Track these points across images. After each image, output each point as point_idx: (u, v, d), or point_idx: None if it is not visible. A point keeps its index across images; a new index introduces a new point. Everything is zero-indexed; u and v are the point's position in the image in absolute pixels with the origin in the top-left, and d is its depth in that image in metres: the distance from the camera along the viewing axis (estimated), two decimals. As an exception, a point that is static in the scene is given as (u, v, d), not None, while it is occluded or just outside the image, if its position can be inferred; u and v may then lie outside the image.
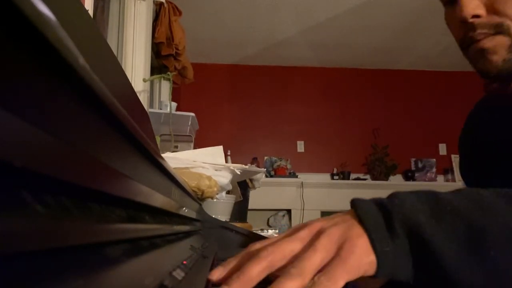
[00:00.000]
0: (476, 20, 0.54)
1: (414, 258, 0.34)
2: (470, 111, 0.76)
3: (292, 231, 0.37)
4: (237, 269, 0.33)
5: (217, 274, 0.35)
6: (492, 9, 0.53)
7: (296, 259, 0.33)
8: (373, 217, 0.35)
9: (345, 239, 0.34)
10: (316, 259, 0.33)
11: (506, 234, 0.33)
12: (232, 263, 0.36)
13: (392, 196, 0.37)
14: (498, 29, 0.53)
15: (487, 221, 0.34)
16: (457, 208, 0.35)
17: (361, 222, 0.35)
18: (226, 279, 0.33)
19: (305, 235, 0.36)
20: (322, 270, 0.32)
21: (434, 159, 3.82)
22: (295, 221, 3.46)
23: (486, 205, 0.35)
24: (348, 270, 0.32)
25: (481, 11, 0.54)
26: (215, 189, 0.93)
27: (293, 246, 0.35)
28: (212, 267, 0.46)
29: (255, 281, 0.32)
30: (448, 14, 0.61)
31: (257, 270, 0.32)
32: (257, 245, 0.36)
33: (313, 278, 0.32)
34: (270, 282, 0.32)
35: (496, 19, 0.53)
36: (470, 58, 0.58)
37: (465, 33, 0.57)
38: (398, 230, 0.34)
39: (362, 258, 0.33)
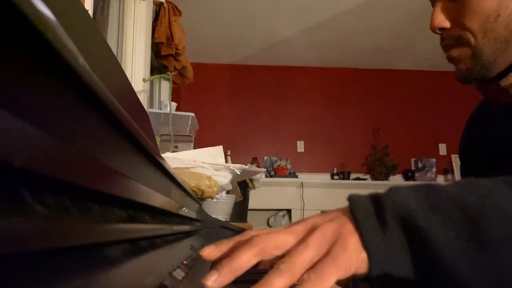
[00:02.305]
0: (443, 32, 0.60)
1: (411, 249, 0.33)
2: (470, 114, 0.76)
3: (288, 225, 0.37)
4: (229, 254, 0.33)
5: (207, 251, 0.35)
6: (456, 22, 0.59)
7: (287, 253, 0.33)
8: (364, 209, 0.35)
9: (337, 236, 0.34)
10: (307, 255, 0.32)
11: (505, 218, 0.32)
12: (224, 245, 0.35)
13: (387, 189, 0.36)
14: (460, 41, 0.58)
15: (484, 205, 0.32)
16: (452, 194, 0.34)
17: (353, 216, 0.35)
18: (217, 262, 0.33)
19: (299, 229, 0.36)
20: (313, 267, 0.32)
21: (434, 159, 3.82)
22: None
23: (483, 191, 0.34)
24: (339, 268, 0.32)
25: (446, 24, 0.60)
26: (215, 189, 0.93)
27: (286, 237, 0.35)
28: (212, 267, 0.46)
29: (245, 267, 0.32)
30: None
31: (247, 257, 0.32)
32: (252, 233, 0.36)
33: (302, 275, 0.32)
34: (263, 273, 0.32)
35: (458, 31, 0.58)
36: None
37: (440, 41, 0.62)
38: (389, 220, 0.33)
39: (353, 255, 0.33)
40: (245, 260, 0.32)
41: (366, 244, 0.33)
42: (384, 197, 0.35)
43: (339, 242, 0.33)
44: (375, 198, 0.35)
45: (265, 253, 0.33)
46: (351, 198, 0.37)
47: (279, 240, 0.34)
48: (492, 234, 0.31)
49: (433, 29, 0.61)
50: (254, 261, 0.33)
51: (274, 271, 0.31)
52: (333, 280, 0.31)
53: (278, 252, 0.34)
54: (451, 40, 0.60)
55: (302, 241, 0.34)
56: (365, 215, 0.34)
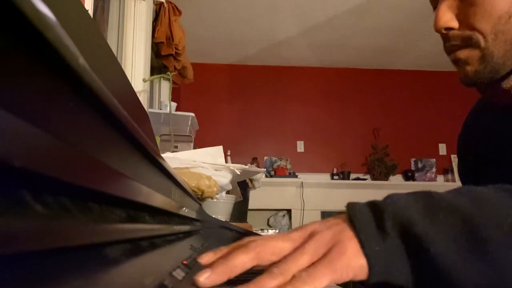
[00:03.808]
0: (449, 32, 0.57)
1: (410, 258, 0.33)
2: (469, 111, 0.76)
3: (286, 232, 0.37)
4: (224, 256, 0.33)
5: (206, 258, 0.35)
6: (464, 22, 0.55)
7: (282, 260, 0.33)
8: (363, 216, 0.35)
9: (335, 242, 0.34)
10: (302, 261, 0.32)
11: (505, 229, 0.32)
12: (223, 250, 0.36)
13: (386, 197, 0.36)
14: (469, 42, 0.55)
15: (485, 216, 0.32)
16: (453, 204, 0.33)
17: (352, 223, 0.35)
18: (212, 263, 0.33)
19: (297, 236, 0.36)
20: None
21: (434, 159, 3.82)
22: (295, 221, 3.45)
23: (483, 200, 0.34)
24: (333, 270, 0.32)
25: (454, 23, 0.56)
26: (215, 189, 0.93)
27: (283, 244, 0.35)
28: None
29: (238, 270, 0.32)
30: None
31: (242, 259, 0.33)
32: (251, 238, 0.36)
33: (294, 274, 0.31)
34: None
35: (467, 32, 0.55)
36: (453, 65, 0.61)
37: (444, 42, 0.59)
38: (388, 228, 0.33)
39: (352, 261, 0.32)
40: (240, 262, 0.32)
41: (365, 252, 0.33)
42: (384, 205, 0.35)
43: (337, 247, 0.33)
44: (374, 206, 0.35)
45: (261, 258, 0.34)
46: (349, 206, 0.37)
47: (276, 246, 0.34)
48: (492, 244, 0.31)
49: (439, 28, 0.57)
50: (249, 265, 0.33)
51: (267, 274, 0.32)
52: (325, 281, 0.31)
53: (274, 258, 0.34)
54: (458, 41, 0.56)
55: (299, 247, 0.34)
56: (365, 222, 0.34)
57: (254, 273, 0.32)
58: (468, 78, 0.57)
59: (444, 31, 0.57)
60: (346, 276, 0.32)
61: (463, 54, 0.56)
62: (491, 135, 0.64)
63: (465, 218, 0.32)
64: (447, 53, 0.60)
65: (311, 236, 0.35)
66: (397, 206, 0.34)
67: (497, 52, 0.53)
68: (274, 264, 0.33)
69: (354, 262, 0.33)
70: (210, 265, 0.33)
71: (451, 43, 0.57)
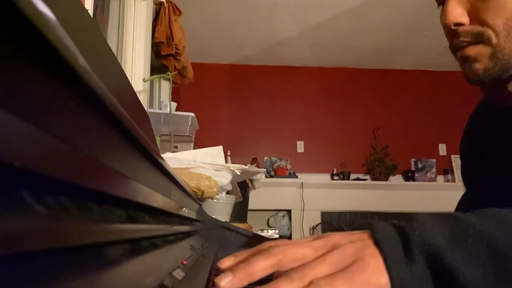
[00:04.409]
0: (459, 28, 0.54)
1: (435, 285, 0.32)
2: (471, 113, 0.76)
3: (309, 239, 0.37)
4: (246, 260, 0.33)
5: (227, 263, 0.35)
6: (475, 18, 0.53)
7: (302, 265, 0.33)
8: (391, 240, 0.34)
9: (358, 257, 0.33)
10: (321, 270, 0.32)
11: None
12: (243, 255, 0.36)
13: (411, 220, 0.35)
14: (480, 38, 0.53)
15: None
16: (480, 231, 0.33)
17: (377, 244, 0.34)
18: (232, 267, 0.33)
19: (320, 245, 0.35)
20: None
21: (434, 159, 3.82)
22: (295, 221, 3.45)
23: (509, 225, 0.33)
24: (352, 284, 0.31)
25: (464, 19, 0.54)
26: (215, 189, 0.93)
27: (305, 251, 0.34)
28: (212, 267, 0.46)
29: (259, 275, 0.32)
30: (440, 16, 0.61)
31: (264, 265, 0.32)
32: (272, 243, 0.36)
33: (312, 281, 0.31)
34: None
35: (478, 28, 0.53)
36: (458, 62, 0.59)
37: (451, 38, 0.57)
38: (416, 255, 0.33)
39: (372, 279, 0.32)
40: (262, 267, 0.32)
41: (391, 275, 0.32)
42: (410, 230, 0.34)
43: (359, 263, 0.33)
44: (400, 229, 0.35)
45: (282, 265, 0.33)
46: (374, 225, 0.36)
47: (297, 253, 0.34)
48: None
49: (448, 24, 0.55)
50: (270, 271, 0.33)
51: (285, 277, 0.31)
52: None
53: (295, 265, 0.34)
54: (468, 37, 0.54)
55: (320, 257, 0.34)
56: (392, 246, 0.34)
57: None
58: (476, 76, 0.55)
59: (453, 27, 0.55)
60: None
61: (473, 51, 0.54)
62: (494, 138, 0.63)
63: (492, 245, 0.32)
64: (453, 50, 0.58)
65: (333, 247, 0.35)
66: (424, 232, 0.34)
67: (509, 49, 0.52)
68: (293, 269, 0.33)
69: (374, 280, 0.32)
70: (230, 269, 0.32)
71: (460, 39, 0.55)
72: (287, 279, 0.31)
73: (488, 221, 0.34)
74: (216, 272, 0.36)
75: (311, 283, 0.31)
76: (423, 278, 0.32)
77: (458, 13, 0.54)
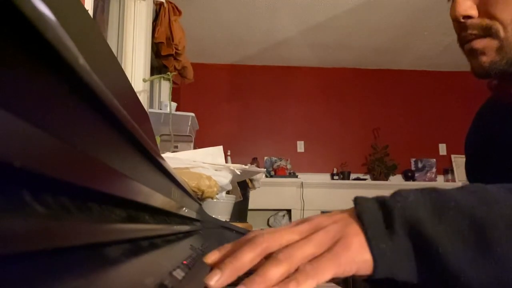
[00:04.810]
0: (467, 21, 0.55)
1: (417, 257, 0.33)
2: (478, 110, 0.75)
3: (292, 224, 0.37)
4: (232, 254, 0.33)
5: (212, 258, 0.34)
6: (483, 11, 0.54)
7: (286, 247, 0.33)
8: (372, 214, 0.35)
9: (341, 236, 0.34)
10: (307, 250, 0.32)
11: None
12: (227, 247, 0.35)
13: (394, 194, 0.36)
14: (487, 32, 0.54)
15: (493, 216, 0.32)
16: (461, 203, 0.33)
17: (360, 220, 0.35)
18: (219, 263, 0.33)
19: (303, 229, 0.35)
20: (311, 261, 0.32)
21: (434, 159, 3.82)
22: (295, 221, 3.45)
23: (492, 200, 0.33)
24: (338, 264, 0.32)
25: (473, 12, 0.54)
26: (215, 189, 0.93)
27: (290, 237, 0.34)
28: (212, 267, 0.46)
29: (247, 267, 0.32)
30: (450, 9, 0.62)
31: (250, 256, 0.32)
32: (256, 233, 0.36)
33: (299, 266, 0.31)
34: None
35: (486, 21, 0.54)
36: (466, 56, 0.59)
37: (459, 31, 0.57)
38: (397, 227, 0.33)
39: (356, 255, 0.33)
40: (248, 259, 0.32)
41: (372, 248, 0.33)
42: (392, 202, 0.35)
43: (342, 241, 0.33)
44: (382, 203, 0.35)
45: (269, 252, 0.33)
46: (357, 201, 0.37)
47: (283, 239, 0.34)
48: (500, 244, 0.31)
49: (457, 16, 0.55)
50: (257, 260, 0.33)
51: (272, 260, 0.31)
52: (328, 275, 0.31)
53: None
54: (476, 30, 0.54)
55: (305, 238, 0.34)
56: (373, 219, 0.34)
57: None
58: (482, 69, 0.55)
59: (462, 20, 0.55)
60: (350, 271, 0.33)
61: (480, 44, 0.55)
62: (501, 135, 0.63)
63: (473, 218, 0.32)
64: (461, 43, 0.58)
65: (317, 229, 0.35)
66: (406, 205, 0.34)
67: None
68: (279, 250, 0.33)
69: (358, 257, 0.33)
70: (217, 265, 0.32)
71: (468, 32, 0.55)
72: (275, 262, 0.31)
73: (470, 195, 0.34)
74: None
75: (297, 269, 0.31)
76: (404, 250, 0.33)
77: (467, 6, 0.54)
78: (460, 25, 0.56)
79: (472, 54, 0.56)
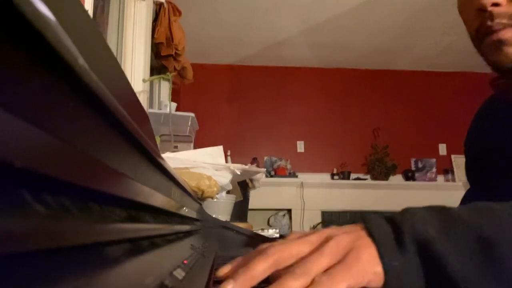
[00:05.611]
0: (495, 9, 0.52)
1: (425, 274, 0.33)
2: (477, 111, 0.75)
3: (302, 235, 0.37)
4: (244, 265, 0.34)
5: (224, 271, 0.35)
6: None
7: (302, 260, 0.33)
8: (383, 230, 0.35)
9: (352, 247, 0.34)
10: (321, 262, 0.33)
11: None
12: (239, 260, 0.36)
13: (403, 211, 0.37)
14: None
15: (500, 233, 0.33)
16: (468, 221, 0.34)
17: (370, 234, 0.35)
18: (231, 273, 0.33)
19: (314, 239, 0.36)
20: (326, 272, 0.33)
21: (434, 159, 3.82)
22: (296, 221, 3.46)
23: (498, 217, 0.34)
24: (351, 276, 0.32)
25: None
26: (215, 189, 0.93)
27: (301, 247, 0.35)
28: (213, 266, 0.46)
29: (259, 278, 0.33)
30: (462, 2, 0.59)
31: (262, 267, 0.33)
32: (267, 245, 0.37)
33: (314, 278, 0.32)
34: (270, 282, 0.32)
35: None
36: (483, 50, 0.56)
37: (481, 22, 0.54)
38: (407, 244, 0.34)
39: (367, 268, 0.33)
40: (261, 270, 0.33)
41: (384, 265, 0.33)
42: (401, 220, 0.35)
43: (353, 252, 0.34)
44: (391, 220, 0.36)
45: (280, 263, 0.34)
46: (366, 218, 0.37)
47: (293, 250, 0.35)
48: (508, 261, 0.32)
49: (486, 4, 0.52)
50: (269, 271, 0.33)
51: (289, 274, 0.32)
52: (343, 286, 0.32)
53: (293, 262, 0.34)
54: (504, 18, 0.51)
55: (317, 249, 0.34)
56: (384, 235, 0.35)
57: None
58: (509, 61, 0.52)
59: (490, 8, 0.52)
60: (362, 282, 0.33)
61: (508, 34, 0.51)
62: (502, 134, 0.63)
63: (481, 235, 0.33)
64: (485, 34, 0.54)
65: (327, 239, 0.35)
66: (416, 223, 0.35)
67: None
68: (294, 264, 0.33)
69: (369, 268, 0.33)
70: (231, 276, 0.33)
71: (496, 21, 0.52)
72: (292, 276, 0.31)
73: (477, 213, 0.35)
74: (216, 279, 0.36)
75: (313, 281, 0.32)
76: (414, 266, 0.33)
77: None
78: (485, 14, 0.53)
79: (498, 45, 0.53)
